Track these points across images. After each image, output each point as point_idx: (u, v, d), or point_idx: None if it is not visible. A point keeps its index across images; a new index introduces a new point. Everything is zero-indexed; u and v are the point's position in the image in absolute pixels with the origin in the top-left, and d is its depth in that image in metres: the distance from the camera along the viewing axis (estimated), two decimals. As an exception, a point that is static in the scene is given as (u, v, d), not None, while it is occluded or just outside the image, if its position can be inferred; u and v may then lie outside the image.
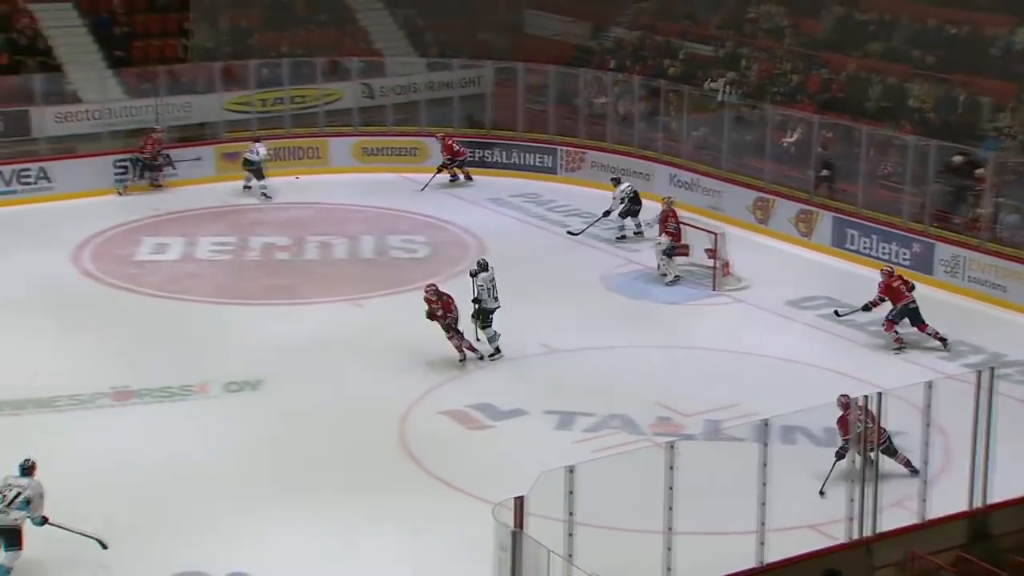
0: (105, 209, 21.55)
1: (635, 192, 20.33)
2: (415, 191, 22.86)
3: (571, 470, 8.65)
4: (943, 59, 22.14)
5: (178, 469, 12.51)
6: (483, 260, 15.69)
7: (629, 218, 20.23)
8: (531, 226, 21.08)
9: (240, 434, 13.42)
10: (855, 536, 9.79)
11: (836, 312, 16.47)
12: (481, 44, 27.79)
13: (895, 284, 15.73)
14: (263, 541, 11.16)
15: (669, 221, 18.36)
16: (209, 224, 21.11)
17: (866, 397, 9.86)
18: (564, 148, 23.89)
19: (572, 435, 13.36)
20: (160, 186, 22.72)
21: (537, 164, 24.01)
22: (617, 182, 20.58)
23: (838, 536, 9.89)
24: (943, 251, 18.28)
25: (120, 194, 22.39)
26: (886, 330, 15.73)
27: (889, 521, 9.94)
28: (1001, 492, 10.17)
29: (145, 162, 22.49)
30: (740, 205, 21.02)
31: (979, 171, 18.87)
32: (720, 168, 21.76)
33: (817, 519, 10.71)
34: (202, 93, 24.15)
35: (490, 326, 15.17)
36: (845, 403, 12.35)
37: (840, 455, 12.18)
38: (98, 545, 10.71)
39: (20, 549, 10.53)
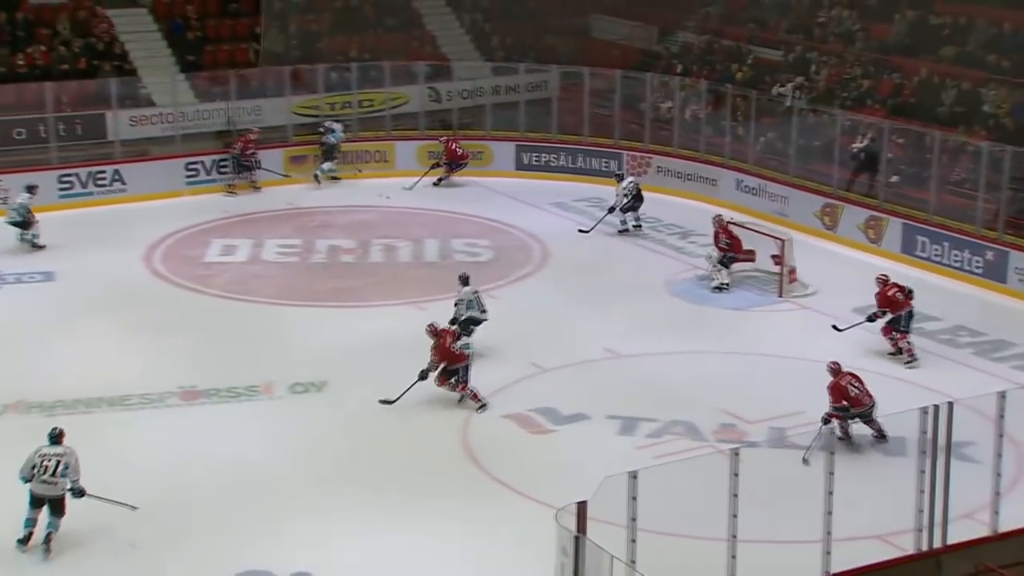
0: (176, 211, 21.89)
1: (638, 189, 20.89)
2: (403, 188, 23.04)
3: (634, 476, 8.61)
4: (1019, 63, 21.68)
5: (244, 469, 12.67)
6: (464, 275, 15.68)
7: (630, 213, 20.75)
8: (595, 231, 21.00)
9: (304, 435, 13.56)
10: (924, 547, 9.63)
11: (835, 327, 16.02)
12: (547, 48, 27.79)
13: (890, 293, 15.39)
14: (326, 541, 11.26)
15: (720, 237, 18.20)
16: (276, 226, 21.35)
17: (936, 407, 9.68)
18: (629, 153, 23.80)
19: (634, 440, 13.31)
20: (257, 187, 23.06)
21: (602, 168, 23.95)
22: (620, 179, 21.19)
23: (906, 547, 9.74)
24: (1018, 259, 17.92)
25: (230, 193, 22.74)
26: (899, 340, 15.39)
27: (959, 533, 9.76)
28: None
29: (237, 160, 22.84)
30: (807, 211, 20.78)
31: (1055, 178, 18.52)
32: (787, 173, 21.54)
33: (884, 529, 10.55)
34: (271, 97, 24.45)
35: (468, 336, 14.88)
36: (835, 369, 12.87)
37: (826, 421, 12.52)
38: (129, 509, 11.10)
39: (63, 515, 10.88)
